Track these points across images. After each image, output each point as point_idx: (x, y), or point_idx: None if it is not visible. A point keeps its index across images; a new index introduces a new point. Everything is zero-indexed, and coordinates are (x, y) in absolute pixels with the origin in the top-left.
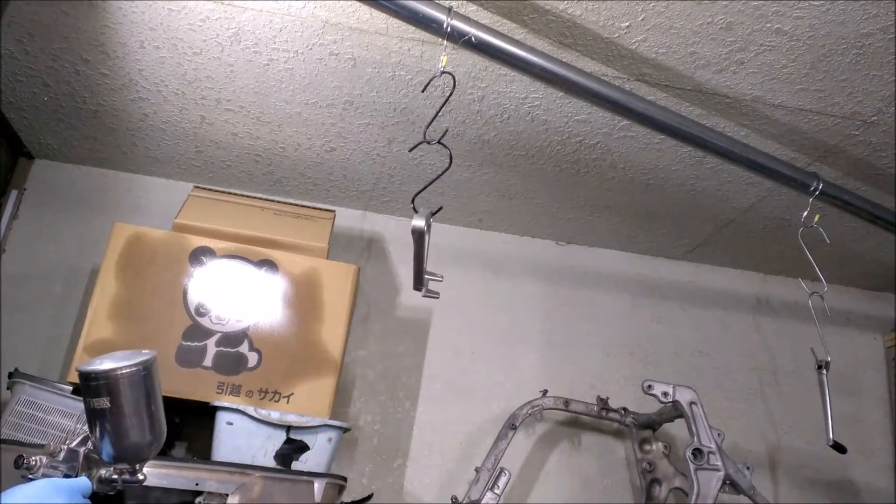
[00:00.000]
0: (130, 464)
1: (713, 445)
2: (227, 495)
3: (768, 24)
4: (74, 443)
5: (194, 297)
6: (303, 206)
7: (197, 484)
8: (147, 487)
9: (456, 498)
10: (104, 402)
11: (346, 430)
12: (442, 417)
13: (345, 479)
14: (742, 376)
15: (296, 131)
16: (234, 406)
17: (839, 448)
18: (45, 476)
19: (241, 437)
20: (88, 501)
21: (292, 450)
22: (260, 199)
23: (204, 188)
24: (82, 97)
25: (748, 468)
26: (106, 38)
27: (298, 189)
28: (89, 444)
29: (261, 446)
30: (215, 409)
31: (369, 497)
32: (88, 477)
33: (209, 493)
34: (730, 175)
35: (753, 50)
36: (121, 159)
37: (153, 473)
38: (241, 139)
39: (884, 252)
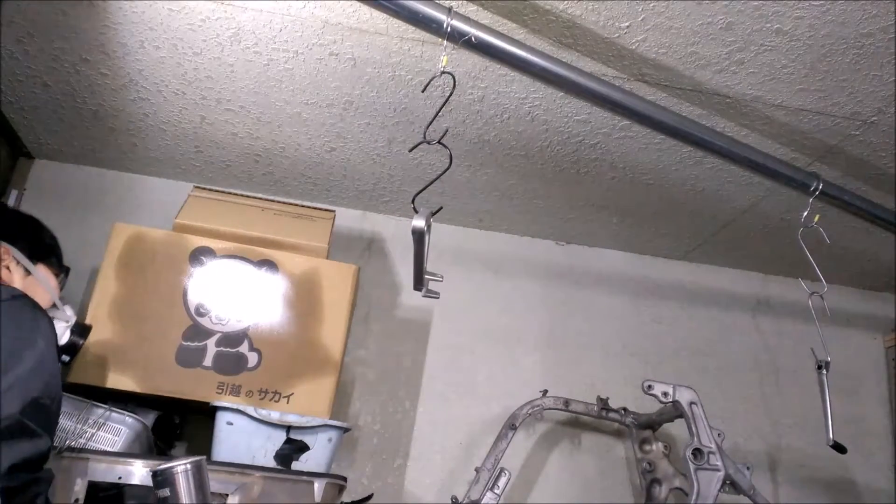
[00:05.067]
0: None
1: (713, 445)
2: (227, 495)
3: (768, 24)
4: None
5: (194, 297)
6: (303, 206)
7: None
8: (147, 487)
9: (456, 498)
10: (165, 492)
11: (346, 430)
12: (442, 417)
13: (345, 479)
14: (742, 376)
15: (296, 131)
16: (235, 406)
17: (839, 448)
18: None
19: (242, 438)
20: None
21: (292, 450)
22: (260, 199)
23: (204, 188)
24: (82, 97)
25: (748, 468)
26: (106, 38)
27: (298, 189)
28: None
29: (261, 446)
30: (215, 409)
31: (369, 497)
32: None
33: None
34: (730, 175)
35: (753, 50)
36: (121, 159)
37: None
38: (241, 139)
39: (884, 252)
